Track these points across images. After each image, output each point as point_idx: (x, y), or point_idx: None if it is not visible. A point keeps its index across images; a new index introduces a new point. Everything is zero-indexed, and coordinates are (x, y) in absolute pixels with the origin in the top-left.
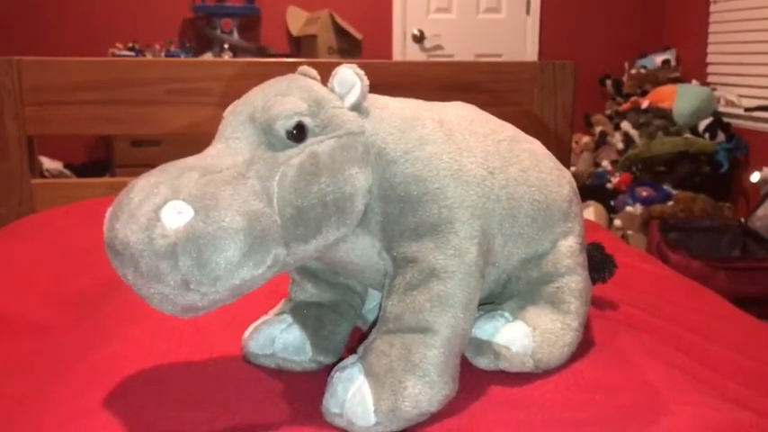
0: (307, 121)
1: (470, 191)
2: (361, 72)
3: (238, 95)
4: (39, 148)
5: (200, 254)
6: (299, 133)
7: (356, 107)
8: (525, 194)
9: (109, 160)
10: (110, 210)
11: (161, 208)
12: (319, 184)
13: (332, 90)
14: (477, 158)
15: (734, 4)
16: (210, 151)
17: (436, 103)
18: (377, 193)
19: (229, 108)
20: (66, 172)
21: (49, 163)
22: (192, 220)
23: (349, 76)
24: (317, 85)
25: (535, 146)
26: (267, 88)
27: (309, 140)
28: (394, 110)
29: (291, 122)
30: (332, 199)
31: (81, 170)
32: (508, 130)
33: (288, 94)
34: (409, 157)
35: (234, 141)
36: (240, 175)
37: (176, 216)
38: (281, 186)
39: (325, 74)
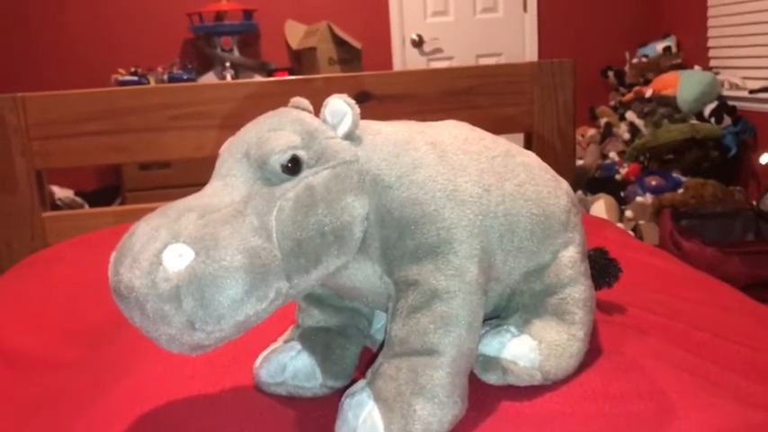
0: (301, 153)
1: (467, 210)
2: (352, 101)
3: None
4: (48, 177)
5: (202, 294)
6: (293, 167)
7: (349, 136)
8: (523, 209)
9: (119, 185)
10: (113, 255)
11: (162, 252)
12: (317, 215)
13: (324, 120)
14: (471, 177)
15: None
16: (208, 190)
17: (429, 123)
18: (374, 219)
19: (224, 145)
20: (78, 199)
21: (60, 192)
22: (192, 261)
23: (340, 106)
24: (308, 117)
25: (530, 159)
26: (260, 124)
27: (304, 173)
28: (386, 135)
29: (286, 157)
30: (330, 229)
31: (92, 197)
32: (501, 145)
33: (280, 129)
34: (404, 182)
35: (230, 179)
36: (238, 213)
37: (178, 259)
38: (279, 220)
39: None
